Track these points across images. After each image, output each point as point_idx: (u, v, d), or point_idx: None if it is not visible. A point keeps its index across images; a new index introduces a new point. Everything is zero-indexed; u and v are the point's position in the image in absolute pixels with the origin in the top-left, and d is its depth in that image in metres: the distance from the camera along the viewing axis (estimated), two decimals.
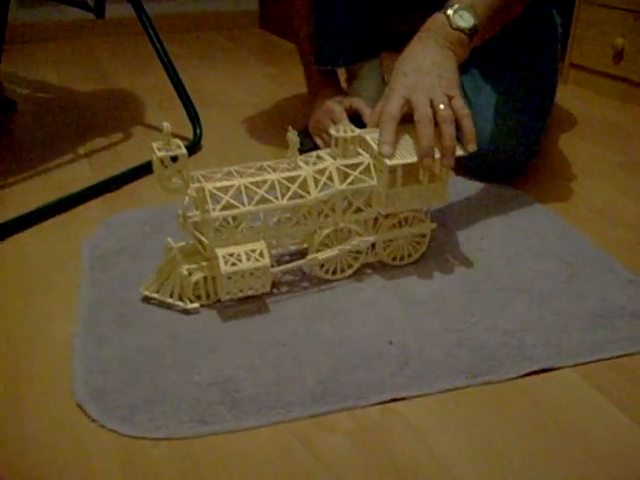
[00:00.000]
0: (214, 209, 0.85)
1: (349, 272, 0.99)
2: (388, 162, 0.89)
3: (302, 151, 1.41)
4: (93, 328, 0.89)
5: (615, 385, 0.82)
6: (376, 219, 0.97)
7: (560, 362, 0.85)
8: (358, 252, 0.98)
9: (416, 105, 0.91)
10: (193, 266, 0.90)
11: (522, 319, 0.92)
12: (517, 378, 0.82)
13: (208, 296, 0.93)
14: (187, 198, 0.88)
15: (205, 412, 0.76)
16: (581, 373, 0.84)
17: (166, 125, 0.84)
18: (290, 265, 0.95)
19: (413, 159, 0.90)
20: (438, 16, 1.00)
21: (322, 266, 0.97)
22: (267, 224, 0.90)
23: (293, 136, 0.90)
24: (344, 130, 0.92)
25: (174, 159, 0.86)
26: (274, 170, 0.91)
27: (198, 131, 1.50)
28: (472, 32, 1.01)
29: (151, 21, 1.48)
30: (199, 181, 0.88)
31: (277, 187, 0.88)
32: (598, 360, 0.86)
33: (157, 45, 1.48)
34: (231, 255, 0.87)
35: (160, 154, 0.84)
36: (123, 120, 1.70)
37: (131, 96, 1.91)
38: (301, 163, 0.93)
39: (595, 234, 1.16)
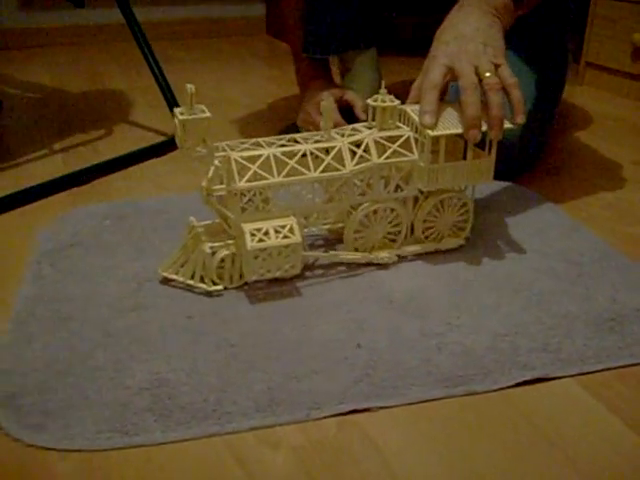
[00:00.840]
0: (240, 180, 0.77)
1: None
2: (430, 132, 0.81)
3: None
4: (24, 325, 0.78)
5: (624, 398, 0.68)
6: (416, 199, 0.88)
7: (559, 371, 0.71)
8: (395, 235, 0.89)
9: (460, 72, 0.83)
10: (217, 244, 0.82)
11: (516, 322, 0.79)
12: (506, 388, 0.69)
13: (232, 279, 0.84)
14: (211, 170, 0.80)
15: (129, 421, 0.64)
16: (583, 384, 0.70)
17: (190, 87, 0.77)
18: (319, 254, 0.88)
19: (458, 130, 0.82)
20: None
21: (356, 249, 0.88)
22: (298, 198, 0.82)
23: (329, 104, 0.82)
24: (382, 99, 0.84)
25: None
26: (306, 141, 0.83)
27: None
28: None
29: (137, 22, 1.40)
30: (224, 150, 0.81)
31: (309, 158, 0.80)
32: (605, 369, 0.73)
33: (141, 43, 1.40)
34: (258, 230, 0.78)
35: (182, 117, 0.77)
36: (107, 118, 1.61)
37: (122, 96, 1.82)
38: (335, 135, 0.85)
39: (608, 232, 1.03)
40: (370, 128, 0.86)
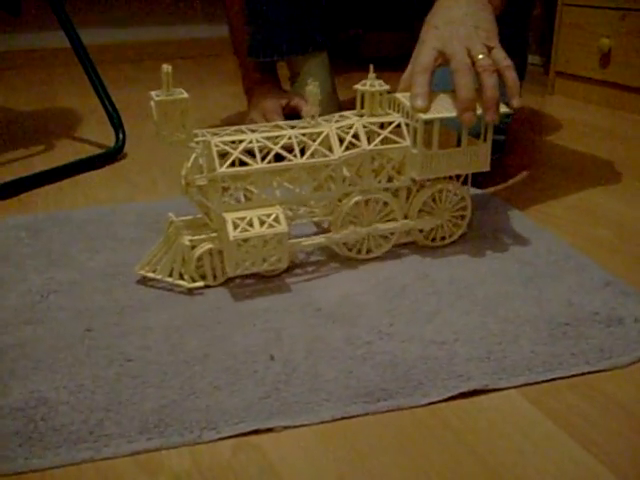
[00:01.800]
0: (222, 166, 0.72)
1: (378, 253, 0.84)
2: (423, 116, 0.77)
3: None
4: None
5: (575, 412, 0.59)
6: (409, 191, 0.83)
7: (501, 381, 0.62)
8: (390, 232, 0.83)
9: (452, 54, 0.79)
10: (197, 237, 0.76)
11: (456, 328, 0.69)
12: (437, 403, 0.59)
13: (214, 276, 0.77)
14: (192, 159, 0.74)
15: None
16: (529, 396, 0.60)
17: (166, 67, 0.72)
18: (310, 241, 0.80)
19: (451, 114, 0.78)
20: None
21: (345, 243, 0.82)
22: (283, 187, 0.76)
23: (314, 87, 0.78)
24: (371, 84, 0.80)
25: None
26: (292, 128, 0.78)
27: (121, 136, 1.32)
28: None
29: (81, 43, 1.33)
30: (204, 136, 0.75)
31: (295, 144, 0.75)
32: (555, 379, 0.63)
33: (85, 63, 1.32)
34: (242, 220, 0.73)
35: (159, 98, 0.72)
36: (51, 134, 1.53)
37: (71, 114, 1.74)
38: (322, 121, 0.80)
39: (570, 234, 0.93)
40: (360, 116, 0.81)
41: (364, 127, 0.79)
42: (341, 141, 0.78)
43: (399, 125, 0.80)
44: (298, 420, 0.57)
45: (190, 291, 0.77)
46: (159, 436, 0.55)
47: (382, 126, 0.80)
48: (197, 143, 0.75)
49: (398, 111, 0.82)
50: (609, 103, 1.65)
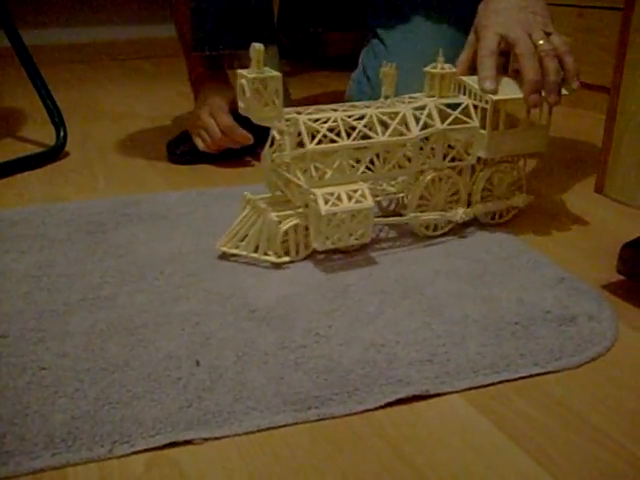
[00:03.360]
0: (310, 143, 0.74)
1: (447, 229, 0.87)
2: (493, 97, 0.80)
3: (172, 160, 1.17)
4: None
5: (521, 416, 0.54)
6: (473, 169, 0.86)
7: (443, 385, 0.57)
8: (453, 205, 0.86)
9: (515, 40, 0.82)
10: (283, 212, 0.77)
11: (399, 329, 0.65)
12: (375, 410, 0.54)
13: (297, 251, 0.79)
14: (271, 137, 0.78)
15: None
16: (474, 401, 0.56)
17: (258, 45, 0.73)
18: (391, 219, 0.83)
19: (519, 95, 0.81)
20: None
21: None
22: (366, 163, 0.78)
23: (391, 69, 0.84)
24: (441, 67, 0.82)
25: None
26: (369, 108, 0.79)
27: (62, 134, 1.26)
28: None
29: (23, 44, 1.26)
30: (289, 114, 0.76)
31: (375, 122, 0.77)
32: (501, 382, 0.58)
33: (26, 63, 1.26)
34: (331, 195, 0.73)
35: (252, 75, 0.72)
36: None
37: (17, 113, 1.67)
38: (395, 102, 0.83)
39: (526, 230, 0.90)
40: (431, 97, 0.83)
41: (437, 107, 0.82)
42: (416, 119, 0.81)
43: (467, 105, 0.82)
44: (220, 431, 0.52)
45: (277, 265, 0.78)
46: (66, 451, 0.50)
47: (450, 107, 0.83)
48: (287, 120, 0.76)
49: (464, 93, 0.85)
50: (568, 100, 1.62)
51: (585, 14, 1.54)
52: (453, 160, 0.83)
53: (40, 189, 1.08)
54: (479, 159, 0.85)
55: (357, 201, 0.74)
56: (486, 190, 0.87)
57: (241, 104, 0.76)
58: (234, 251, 0.79)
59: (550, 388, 0.58)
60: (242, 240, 0.79)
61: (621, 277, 0.76)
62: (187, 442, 0.51)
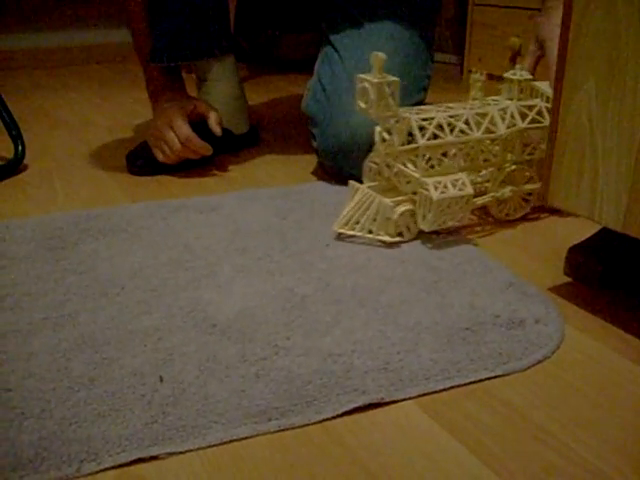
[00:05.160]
0: (422, 139, 0.86)
1: (520, 214, 0.98)
2: None
3: (132, 172, 1.18)
4: None
5: (472, 420, 0.57)
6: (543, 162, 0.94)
7: (397, 393, 0.60)
8: (529, 194, 0.97)
9: None
10: (398, 198, 0.88)
11: (355, 339, 0.67)
12: (333, 419, 0.57)
13: (408, 231, 0.90)
14: (377, 133, 0.90)
15: None
16: (426, 407, 0.59)
17: (379, 54, 0.84)
18: (480, 200, 0.94)
19: None
20: None
21: (498, 205, 0.96)
22: (463, 158, 0.90)
23: (479, 76, 0.95)
24: (520, 74, 0.94)
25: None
26: (464, 109, 0.91)
27: (20, 148, 1.26)
28: None
29: None
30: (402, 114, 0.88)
31: (471, 122, 0.90)
32: (453, 387, 0.61)
33: None
34: (439, 183, 0.85)
35: (376, 80, 0.84)
36: None
37: None
38: (483, 104, 0.95)
39: (478, 234, 0.93)
40: (510, 99, 0.95)
41: (517, 109, 0.94)
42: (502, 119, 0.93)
43: (540, 107, 0.94)
44: (184, 445, 0.54)
45: (388, 245, 0.88)
46: (34, 472, 0.52)
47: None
48: (401, 119, 0.87)
49: (537, 96, 0.97)
50: None
51: (535, 16, 1.58)
52: (529, 154, 0.95)
53: None
54: None
55: (459, 189, 0.85)
56: None
57: (362, 105, 0.87)
58: (351, 232, 0.89)
59: (498, 391, 0.61)
60: (357, 223, 0.89)
61: (568, 279, 0.80)
62: (153, 457, 0.53)
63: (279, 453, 0.53)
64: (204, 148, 1.15)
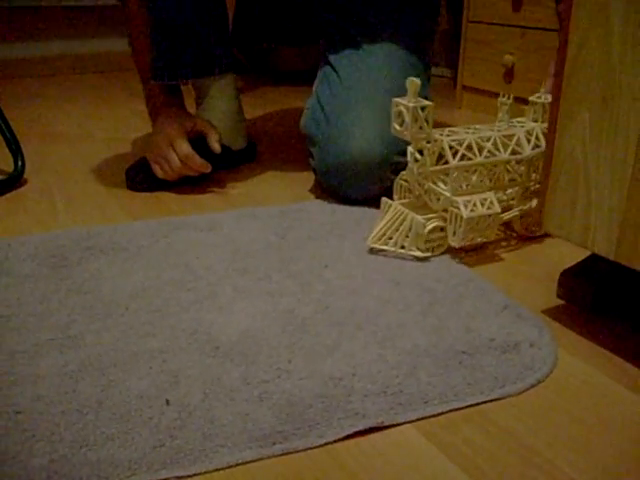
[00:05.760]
0: (454, 160, 0.90)
1: (542, 231, 1.02)
2: None
3: (131, 188, 1.20)
4: None
5: (469, 445, 0.59)
6: None
7: (397, 417, 0.62)
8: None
9: None
10: (429, 215, 0.92)
11: (356, 362, 0.69)
12: (335, 442, 0.59)
13: (437, 247, 0.94)
14: (410, 153, 0.92)
15: None
16: (425, 430, 0.61)
17: (414, 79, 0.87)
18: (505, 215, 0.97)
19: None
20: None
21: (521, 219, 1.00)
22: (490, 178, 0.94)
23: (506, 100, 0.99)
24: (545, 97, 0.98)
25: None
26: (492, 131, 0.96)
27: (20, 163, 1.27)
28: None
29: None
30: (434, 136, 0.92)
31: (499, 143, 0.94)
32: (450, 411, 0.63)
33: None
34: (468, 202, 0.90)
35: (412, 104, 0.88)
36: None
37: None
38: (510, 125, 0.99)
39: (471, 256, 0.95)
40: (535, 121, 1.00)
41: (542, 130, 0.98)
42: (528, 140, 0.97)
43: None
44: (192, 469, 0.56)
45: (419, 260, 0.92)
46: None
47: None
48: (435, 141, 0.91)
49: None
50: (515, 116, 1.69)
51: (527, 34, 1.61)
52: None
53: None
54: None
55: (488, 207, 0.90)
56: None
57: (397, 127, 0.91)
58: (384, 247, 0.93)
59: (494, 415, 0.63)
60: (390, 238, 0.93)
61: (561, 302, 0.82)
62: None
63: (284, 477, 0.55)
64: (204, 166, 1.16)
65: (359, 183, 1.03)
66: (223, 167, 1.30)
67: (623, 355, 0.73)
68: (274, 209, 1.12)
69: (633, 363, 0.72)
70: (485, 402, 0.65)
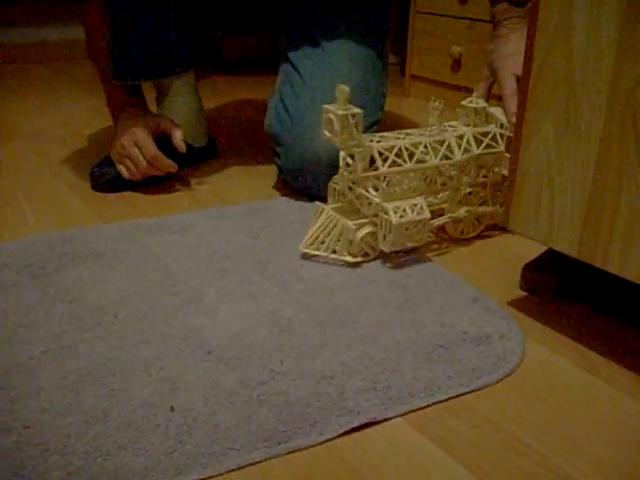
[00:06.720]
0: (383, 166, 0.92)
1: (474, 233, 1.05)
2: None
3: (96, 188, 1.21)
4: None
5: (455, 433, 0.65)
6: (496, 185, 1.04)
7: (388, 411, 0.67)
8: (482, 216, 1.05)
9: None
10: (360, 221, 0.94)
11: (343, 360, 0.74)
12: (334, 439, 0.63)
13: (370, 252, 0.96)
14: (342, 158, 0.94)
15: None
16: (414, 423, 0.66)
17: (343, 87, 0.89)
18: (436, 222, 1.00)
19: None
20: (501, 5, 1.07)
21: (454, 224, 1.03)
22: (422, 182, 0.97)
23: (438, 105, 0.99)
24: (476, 102, 1.01)
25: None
26: (422, 136, 0.98)
27: None
28: None
29: None
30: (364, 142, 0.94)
31: (429, 149, 0.96)
32: (435, 403, 0.69)
33: None
34: (398, 208, 0.92)
35: (341, 112, 0.89)
36: None
37: None
38: (441, 130, 1.01)
39: (434, 251, 1.01)
40: (466, 126, 1.02)
41: (473, 135, 1.00)
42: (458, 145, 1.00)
43: (495, 133, 1.01)
44: (205, 472, 0.59)
45: (354, 265, 0.95)
46: None
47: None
48: (364, 148, 0.92)
49: (491, 123, 1.04)
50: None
51: (474, 26, 1.67)
52: (483, 177, 1.03)
53: None
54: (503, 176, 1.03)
55: (418, 213, 0.92)
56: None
57: (327, 133, 0.92)
58: (316, 252, 0.95)
59: (474, 405, 0.69)
60: (322, 242, 0.95)
61: (523, 293, 0.88)
62: None
63: (291, 474, 0.60)
64: (171, 166, 1.19)
65: (326, 181, 1.07)
66: (186, 164, 1.32)
67: (582, 341, 0.80)
68: (242, 208, 1.15)
69: (590, 347, 0.78)
70: (465, 393, 0.70)
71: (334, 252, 0.95)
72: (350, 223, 0.93)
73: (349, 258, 0.94)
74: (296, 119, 1.13)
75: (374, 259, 0.97)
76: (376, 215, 0.94)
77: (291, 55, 1.21)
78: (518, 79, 1.01)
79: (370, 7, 1.24)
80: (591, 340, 0.80)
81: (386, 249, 0.93)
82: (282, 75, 1.22)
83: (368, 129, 1.16)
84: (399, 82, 2.04)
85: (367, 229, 0.94)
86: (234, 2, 1.37)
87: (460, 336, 0.79)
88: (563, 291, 0.88)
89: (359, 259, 0.95)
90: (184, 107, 1.30)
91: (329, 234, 0.95)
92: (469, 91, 1.70)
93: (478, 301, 0.86)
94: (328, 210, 0.97)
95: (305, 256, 0.96)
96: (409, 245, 0.94)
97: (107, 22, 1.20)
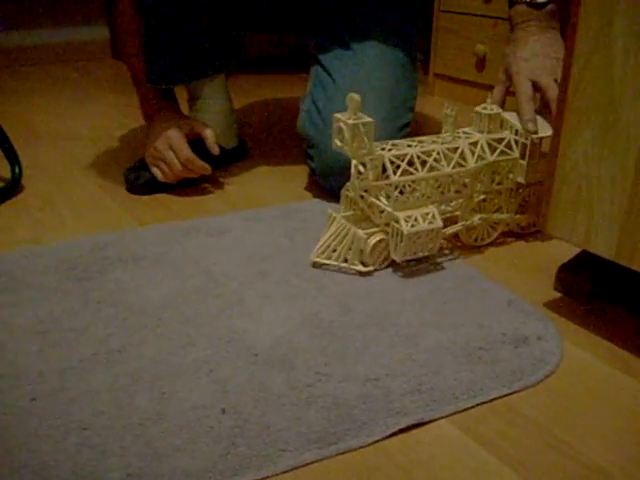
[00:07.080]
0: (394, 174, 0.92)
1: (488, 240, 1.05)
2: (534, 136, 0.98)
3: (131, 191, 1.23)
4: None
5: (499, 434, 0.67)
6: (511, 192, 1.03)
7: (433, 412, 0.69)
8: (497, 223, 1.04)
9: (546, 87, 0.98)
10: (371, 230, 0.93)
11: (386, 362, 0.76)
12: (383, 439, 0.65)
13: (381, 261, 0.96)
14: (353, 166, 0.93)
15: None
16: (459, 424, 0.68)
17: (354, 95, 0.88)
18: (450, 230, 1.00)
19: (550, 133, 0.96)
20: (519, 7, 1.04)
21: (468, 232, 1.02)
22: (435, 190, 0.96)
23: (451, 111, 0.99)
24: (490, 108, 1.00)
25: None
26: (434, 143, 0.97)
27: (17, 171, 1.28)
28: None
29: None
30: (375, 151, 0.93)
31: (442, 156, 0.95)
32: (478, 404, 0.70)
33: None
34: (410, 217, 0.91)
35: (351, 122, 0.89)
36: None
37: None
38: (455, 137, 1.00)
39: (468, 254, 1.02)
40: (480, 132, 1.01)
41: (487, 142, 0.99)
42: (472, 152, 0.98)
43: (509, 139, 1.00)
44: (260, 474, 0.61)
45: (362, 274, 0.94)
46: None
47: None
48: (375, 156, 0.92)
49: (506, 129, 1.02)
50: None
51: (499, 25, 1.67)
52: (498, 184, 1.02)
53: (8, 231, 1.12)
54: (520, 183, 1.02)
55: (429, 222, 0.92)
56: (521, 209, 1.06)
57: (338, 143, 0.92)
58: (327, 261, 0.95)
59: (517, 406, 0.71)
60: (334, 251, 0.95)
61: (558, 295, 0.90)
62: None
63: (344, 475, 0.62)
64: (205, 169, 1.21)
65: None
66: (217, 166, 1.34)
67: (617, 342, 0.81)
68: (276, 210, 1.17)
69: (625, 348, 0.80)
70: (508, 394, 0.72)
71: (345, 261, 0.95)
72: (361, 232, 0.93)
73: (360, 267, 0.94)
74: (329, 121, 1.14)
75: (385, 267, 0.97)
76: (388, 224, 0.93)
77: (321, 57, 1.22)
78: (534, 84, 1.00)
79: (400, 7, 1.25)
80: (626, 341, 0.81)
81: (398, 259, 0.93)
82: (313, 77, 1.24)
83: (400, 131, 1.18)
84: (423, 80, 2.04)
85: (378, 237, 0.93)
86: (265, 3, 1.38)
87: (499, 338, 0.80)
88: (598, 293, 0.89)
89: (370, 268, 0.94)
90: (216, 109, 1.31)
91: (341, 242, 0.95)
92: None
93: (513, 303, 0.87)
94: (340, 218, 0.96)
95: (316, 265, 0.96)
96: (421, 254, 0.93)
97: (140, 25, 1.22)
